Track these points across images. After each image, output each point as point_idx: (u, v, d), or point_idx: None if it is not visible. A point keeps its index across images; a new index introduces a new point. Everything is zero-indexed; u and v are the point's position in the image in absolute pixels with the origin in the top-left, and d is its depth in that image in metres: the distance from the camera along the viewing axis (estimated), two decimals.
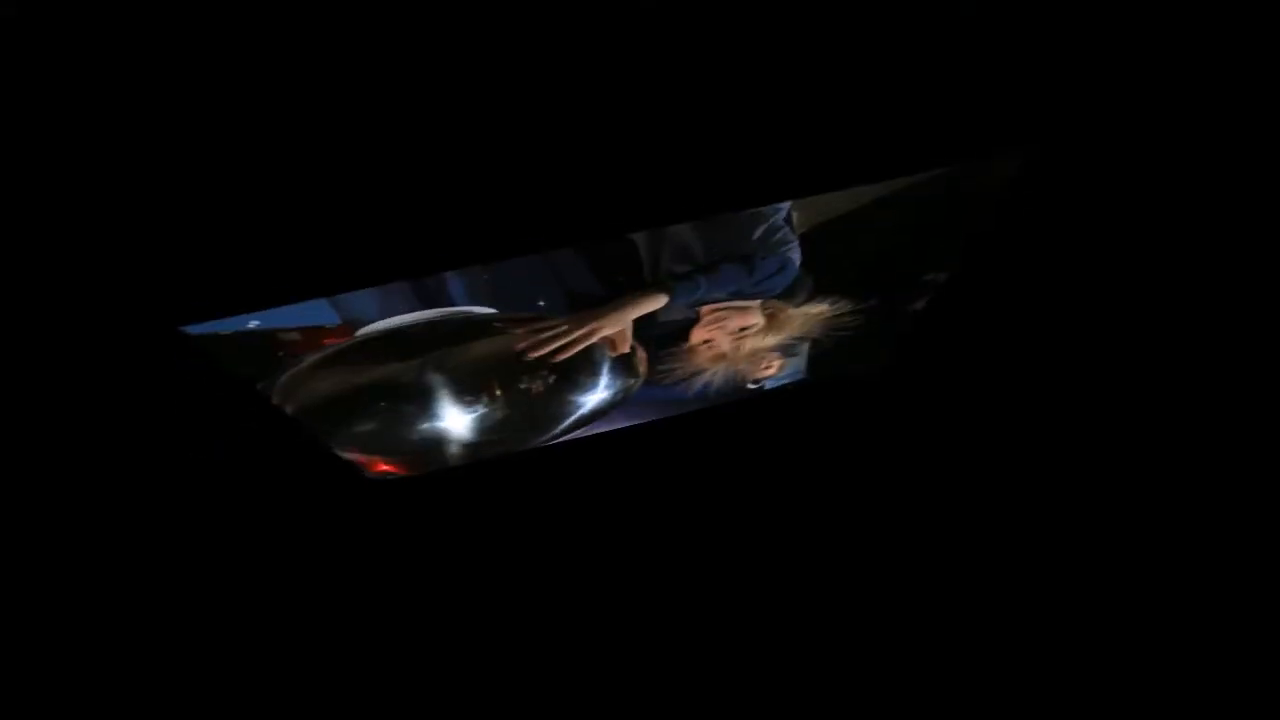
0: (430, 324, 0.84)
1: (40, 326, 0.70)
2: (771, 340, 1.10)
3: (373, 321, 0.81)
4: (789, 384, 1.31)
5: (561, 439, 1.30)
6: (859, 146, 0.74)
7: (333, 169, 0.65)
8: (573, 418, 1.21)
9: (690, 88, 0.66)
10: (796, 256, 0.90)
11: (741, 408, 1.35)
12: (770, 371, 1.24)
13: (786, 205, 0.79)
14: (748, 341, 1.09)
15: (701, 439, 1.35)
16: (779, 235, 0.84)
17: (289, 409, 0.93)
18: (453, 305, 0.79)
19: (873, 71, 0.67)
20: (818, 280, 0.96)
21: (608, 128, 0.67)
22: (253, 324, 0.76)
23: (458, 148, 0.65)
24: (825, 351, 1.18)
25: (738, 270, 0.88)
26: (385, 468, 1.23)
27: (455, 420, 1.09)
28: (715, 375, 1.19)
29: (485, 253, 0.72)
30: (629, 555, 1.36)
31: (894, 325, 1.14)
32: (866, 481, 1.40)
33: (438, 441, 1.13)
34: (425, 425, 1.08)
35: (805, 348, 1.19)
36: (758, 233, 0.83)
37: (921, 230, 0.91)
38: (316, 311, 0.76)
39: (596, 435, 1.32)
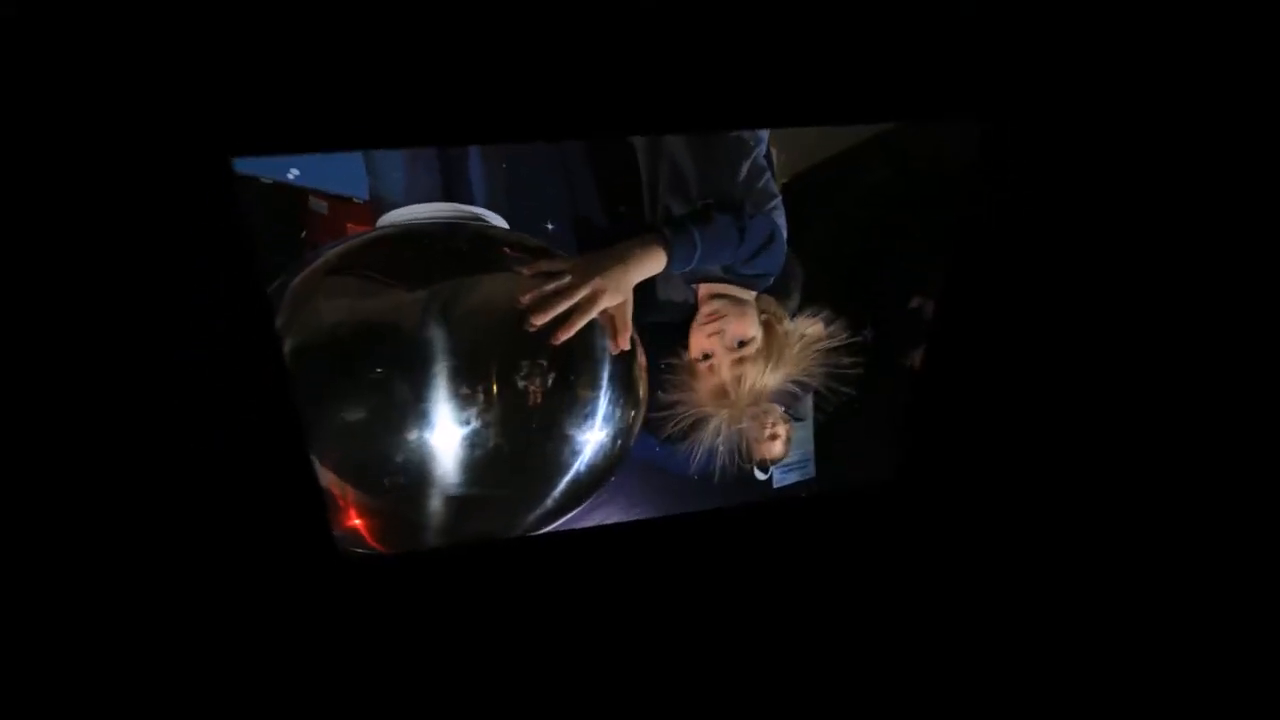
0: (447, 228, 0.90)
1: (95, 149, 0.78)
2: (771, 379, 1.09)
3: (397, 205, 0.87)
4: (799, 484, 1.23)
5: (550, 525, 1.18)
6: (823, 89, 0.90)
7: (390, 40, 0.80)
8: (568, 476, 1.12)
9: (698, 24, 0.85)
10: (783, 223, 0.98)
11: (747, 516, 1.23)
12: (777, 447, 1.18)
13: (765, 139, 0.92)
14: (748, 372, 1.07)
15: (701, 549, 1.20)
16: (763, 182, 0.94)
17: (290, 341, 0.92)
18: (471, 194, 0.87)
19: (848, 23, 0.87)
20: (806, 271, 1.02)
21: (628, 44, 0.84)
22: (292, 173, 0.83)
23: (505, 40, 0.83)
24: (830, 416, 1.15)
25: (728, 226, 0.95)
26: (357, 521, 1.11)
27: (445, 435, 1.03)
28: (719, 437, 1.14)
29: (509, 131, 0.84)
30: (614, 681, 1.08)
31: (894, 378, 1.13)
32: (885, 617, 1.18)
33: (419, 474, 1.05)
34: (413, 435, 1.02)
35: (809, 408, 1.16)
36: (743, 169, 0.93)
37: (900, 218, 1.01)
38: (350, 179, 0.85)
39: (586, 531, 1.20)
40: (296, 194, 0.81)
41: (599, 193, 0.88)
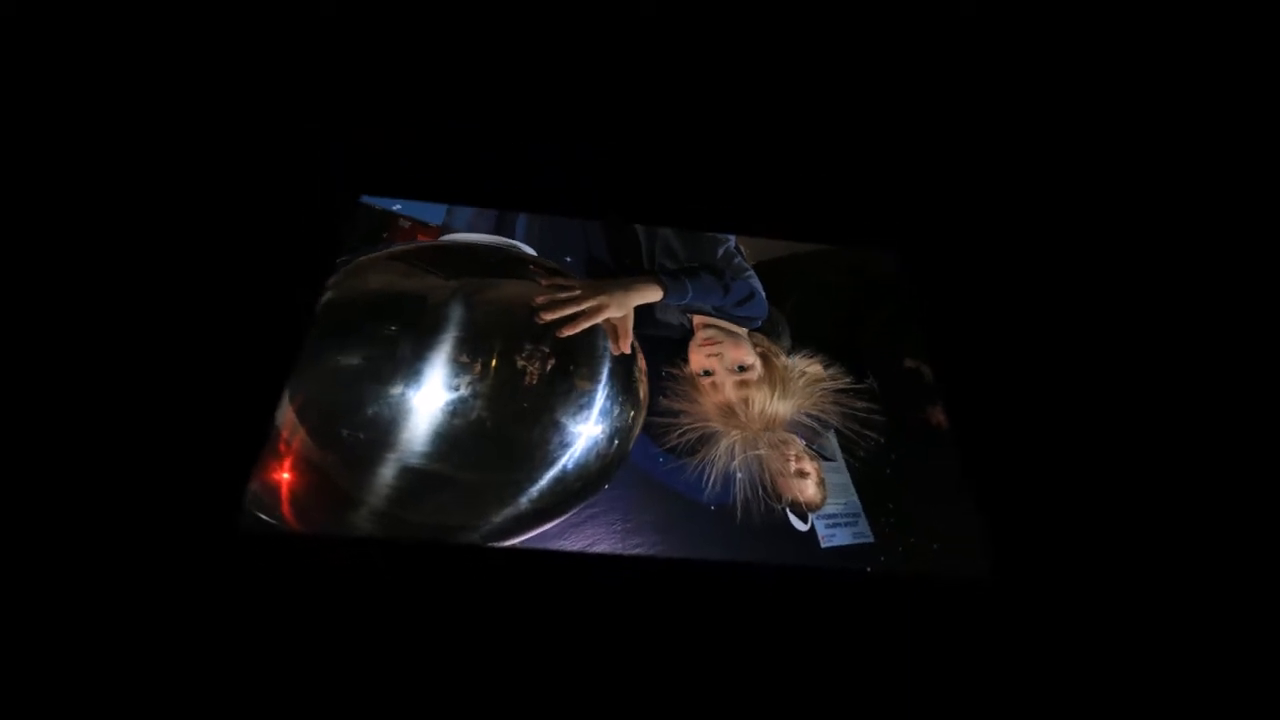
0: (489, 249, 1.09)
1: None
2: (782, 406, 0.98)
3: (459, 231, 1.09)
4: (854, 550, 0.86)
5: (522, 534, 0.84)
6: (768, 212, 1.25)
7: (474, 141, 1.27)
8: (553, 470, 0.90)
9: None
10: (759, 286, 1.11)
11: (782, 577, 0.82)
12: (810, 488, 0.94)
13: (732, 237, 1.17)
14: (755, 395, 0.98)
15: (709, 609, 0.76)
16: (736, 261, 1.14)
17: (329, 294, 1.00)
18: (513, 237, 1.10)
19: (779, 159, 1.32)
20: (790, 322, 1.06)
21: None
22: (396, 206, 1.11)
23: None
24: (866, 464, 0.93)
25: (713, 282, 1.09)
26: (285, 474, 0.86)
27: (429, 395, 0.94)
28: (733, 459, 0.92)
29: (551, 206, 1.18)
30: None
31: (920, 436, 0.94)
32: None
33: (383, 433, 0.91)
34: (398, 389, 0.94)
35: (836, 448, 0.94)
36: (719, 252, 1.14)
37: (858, 300, 1.13)
38: (433, 215, 1.12)
39: (564, 555, 0.82)
40: (392, 216, 1.16)
41: (609, 251, 1.16)
